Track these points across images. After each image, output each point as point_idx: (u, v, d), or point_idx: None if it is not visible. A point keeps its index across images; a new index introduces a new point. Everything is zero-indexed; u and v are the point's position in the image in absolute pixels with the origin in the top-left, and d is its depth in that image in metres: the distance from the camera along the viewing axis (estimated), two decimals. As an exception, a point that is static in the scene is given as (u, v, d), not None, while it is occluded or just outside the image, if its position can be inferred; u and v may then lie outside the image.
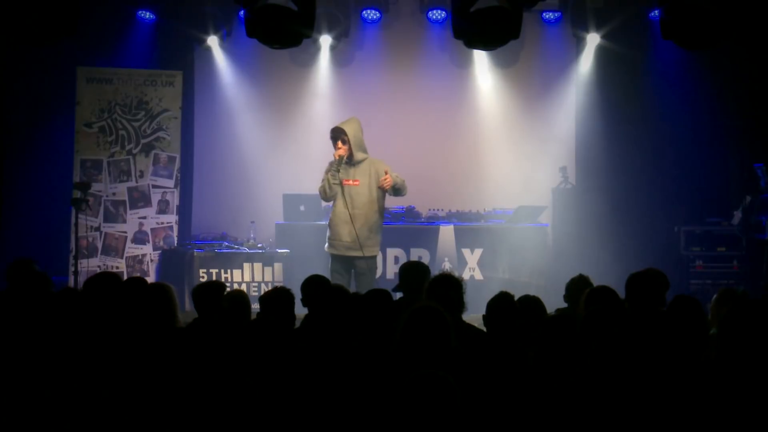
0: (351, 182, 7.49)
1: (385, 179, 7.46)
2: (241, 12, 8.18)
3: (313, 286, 5.15)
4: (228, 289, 5.48)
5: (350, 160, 7.51)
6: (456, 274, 4.99)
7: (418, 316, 3.74)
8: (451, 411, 2.92)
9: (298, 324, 4.94)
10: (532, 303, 4.80)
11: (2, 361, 3.91)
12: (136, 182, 9.82)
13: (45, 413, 3.40)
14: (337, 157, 7.47)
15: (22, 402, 3.43)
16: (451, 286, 4.74)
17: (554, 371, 3.73)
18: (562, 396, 3.49)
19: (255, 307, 4.99)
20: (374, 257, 7.66)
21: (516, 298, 4.85)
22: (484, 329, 4.65)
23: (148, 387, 3.62)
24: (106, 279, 5.02)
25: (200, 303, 5.00)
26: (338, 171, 7.43)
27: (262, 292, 6.48)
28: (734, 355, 3.66)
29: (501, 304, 4.54)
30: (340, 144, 7.50)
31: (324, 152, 10.18)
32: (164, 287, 5.00)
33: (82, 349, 4.05)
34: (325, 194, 7.54)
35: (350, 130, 7.49)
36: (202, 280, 8.92)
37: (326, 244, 7.66)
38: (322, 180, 7.57)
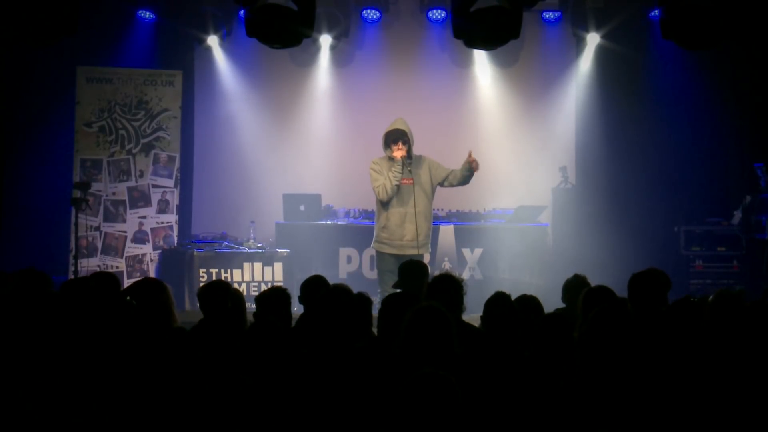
0: (408, 181, 7.48)
1: (475, 160, 7.45)
2: (241, 12, 8.19)
3: (313, 286, 5.15)
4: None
5: (407, 159, 7.51)
6: (456, 273, 4.98)
7: (420, 316, 3.74)
8: (452, 411, 2.92)
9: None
10: (529, 302, 4.79)
11: (2, 361, 3.90)
12: (136, 182, 9.82)
13: (43, 412, 3.40)
14: (399, 158, 7.41)
15: (18, 402, 3.43)
16: (451, 286, 4.74)
17: (550, 371, 3.73)
18: (559, 395, 3.48)
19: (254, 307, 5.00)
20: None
21: (515, 297, 4.84)
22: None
23: (144, 386, 3.61)
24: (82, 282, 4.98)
25: (206, 303, 4.95)
26: (401, 172, 7.40)
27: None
28: (729, 356, 3.66)
29: (497, 303, 4.53)
30: (400, 145, 7.45)
31: (324, 152, 10.29)
32: (160, 285, 4.98)
33: (79, 347, 4.05)
34: (387, 195, 7.43)
35: (408, 130, 7.50)
36: (202, 280, 8.92)
37: (378, 243, 7.57)
38: (375, 180, 7.46)
